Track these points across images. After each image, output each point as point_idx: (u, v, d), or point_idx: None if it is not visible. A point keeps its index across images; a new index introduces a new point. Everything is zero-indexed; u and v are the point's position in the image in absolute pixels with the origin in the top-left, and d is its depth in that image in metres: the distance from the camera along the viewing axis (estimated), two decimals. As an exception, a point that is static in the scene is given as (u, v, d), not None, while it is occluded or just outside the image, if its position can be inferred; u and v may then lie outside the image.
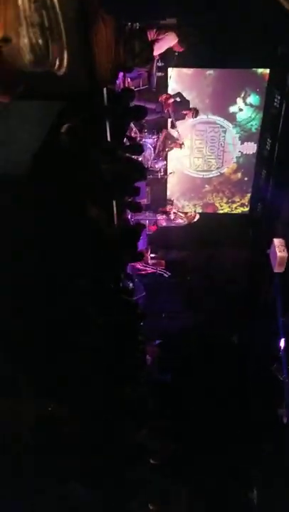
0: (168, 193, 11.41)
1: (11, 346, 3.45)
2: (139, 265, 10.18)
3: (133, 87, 8.01)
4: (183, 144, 9.97)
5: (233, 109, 10.48)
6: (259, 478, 8.12)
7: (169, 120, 9.58)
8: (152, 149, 9.54)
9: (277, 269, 9.20)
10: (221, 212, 11.84)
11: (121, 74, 7.13)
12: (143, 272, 10.43)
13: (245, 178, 11.37)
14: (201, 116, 10.11)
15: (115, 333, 5.06)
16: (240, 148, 10.99)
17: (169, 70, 9.51)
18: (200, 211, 11.21)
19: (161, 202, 10.88)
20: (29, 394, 3.83)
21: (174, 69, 9.46)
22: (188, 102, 9.47)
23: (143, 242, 9.81)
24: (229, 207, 11.80)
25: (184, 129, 9.91)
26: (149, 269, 10.49)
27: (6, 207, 3.08)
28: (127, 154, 6.08)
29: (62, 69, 2.35)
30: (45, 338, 3.69)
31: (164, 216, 9.93)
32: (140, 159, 7.97)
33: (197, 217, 10.19)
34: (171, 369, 10.09)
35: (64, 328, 3.95)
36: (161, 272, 10.65)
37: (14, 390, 3.67)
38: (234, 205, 11.77)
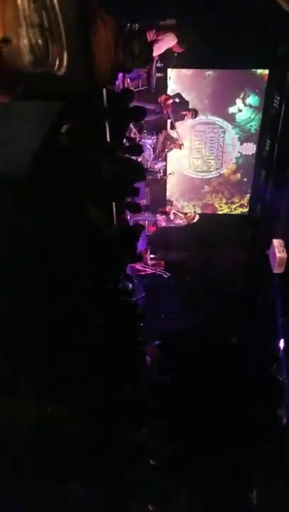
0: (167, 194, 11.42)
1: (11, 346, 3.45)
2: (138, 266, 10.19)
3: (132, 88, 8.02)
4: (182, 144, 9.98)
5: (232, 109, 10.49)
6: (259, 478, 8.11)
7: (169, 121, 9.58)
8: (152, 150, 9.55)
9: (277, 269, 9.20)
10: (221, 213, 11.85)
11: (120, 75, 7.14)
12: (142, 273, 10.44)
13: (245, 179, 11.38)
14: (201, 117, 10.12)
15: (115, 333, 5.07)
16: (239, 149, 11.00)
17: (169, 70, 9.51)
18: (199, 212, 11.21)
19: (160, 203, 10.89)
20: (29, 394, 3.83)
21: (174, 70, 9.46)
22: (187, 102, 9.49)
23: (142, 243, 9.82)
24: (228, 208, 11.81)
25: (183, 129, 9.92)
26: (149, 270, 10.51)
27: (6, 207, 3.08)
28: (127, 155, 6.10)
29: (62, 69, 2.35)
30: (45, 338, 3.69)
31: (164, 216, 9.94)
32: (140, 160, 7.99)
33: (197, 217, 10.21)
34: (170, 370, 10.08)
35: (64, 328, 3.95)
36: (160, 272, 10.66)
37: (14, 390, 3.67)
38: (233, 206, 11.78)
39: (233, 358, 10.49)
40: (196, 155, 11.13)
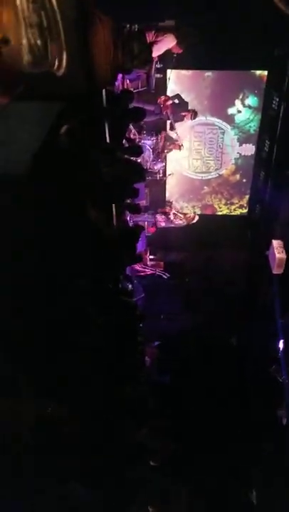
0: (167, 195, 11.44)
1: (11, 346, 3.46)
2: (138, 267, 10.21)
3: (132, 89, 8.06)
4: (182, 145, 10.00)
5: (231, 110, 10.52)
6: (259, 478, 8.10)
7: (168, 122, 9.61)
8: (151, 151, 9.58)
9: (276, 270, 9.20)
10: (220, 213, 11.87)
11: (120, 75, 7.16)
12: (142, 274, 10.46)
13: (244, 180, 11.40)
14: (200, 118, 10.14)
15: (115, 333, 5.08)
16: (238, 150, 11.02)
17: (168, 71, 9.53)
18: (199, 213, 11.22)
19: (160, 203, 10.91)
20: (29, 394, 3.83)
21: (173, 70, 9.47)
22: (186, 103, 9.52)
23: (142, 244, 9.83)
24: (228, 208, 11.83)
25: (182, 130, 9.94)
26: (148, 271, 10.53)
27: (6, 207, 3.09)
28: (126, 156, 6.11)
29: (61, 69, 2.37)
30: (45, 338, 3.70)
31: (163, 217, 9.96)
32: (139, 161, 8.00)
33: (196, 218, 10.23)
34: (170, 370, 10.07)
35: (64, 328, 3.95)
36: (160, 273, 10.67)
37: (14, 390, 3.68)
38: (233, 207, 11.80)
39: (233, 358, 10.47)
40: (196, 156, 11.15)
